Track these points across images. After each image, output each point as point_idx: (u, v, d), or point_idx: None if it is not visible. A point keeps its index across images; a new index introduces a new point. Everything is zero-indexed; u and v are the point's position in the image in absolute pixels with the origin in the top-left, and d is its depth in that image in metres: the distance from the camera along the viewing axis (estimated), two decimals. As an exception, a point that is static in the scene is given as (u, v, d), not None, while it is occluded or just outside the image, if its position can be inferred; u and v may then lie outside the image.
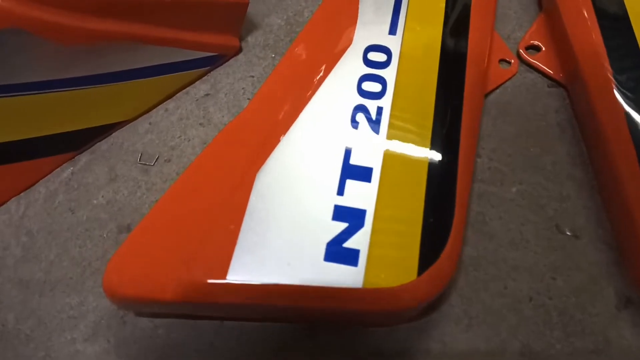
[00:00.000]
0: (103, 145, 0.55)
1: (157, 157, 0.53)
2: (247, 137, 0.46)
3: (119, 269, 0.40)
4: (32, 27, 0.43)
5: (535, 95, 0.52)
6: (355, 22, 0.52)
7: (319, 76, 0.48)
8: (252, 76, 0.57)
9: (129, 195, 0.51)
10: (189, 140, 0.54)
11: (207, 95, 0.57)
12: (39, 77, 0.47)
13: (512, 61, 0.53)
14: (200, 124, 0.55)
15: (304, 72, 0.49)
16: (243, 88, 0.57)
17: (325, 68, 0.49)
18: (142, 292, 0.39)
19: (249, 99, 0.56)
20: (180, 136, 0.55)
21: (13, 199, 0.52)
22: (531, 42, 0.54)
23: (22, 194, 0.53)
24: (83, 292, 0.46)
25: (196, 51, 0.55)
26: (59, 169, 0.54)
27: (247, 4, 0.56)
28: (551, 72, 0.53)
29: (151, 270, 0.40)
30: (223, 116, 0.55)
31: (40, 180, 0.53)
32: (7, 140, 0.50)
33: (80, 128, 0.53)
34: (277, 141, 0.44)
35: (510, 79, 0.53)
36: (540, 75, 0.54)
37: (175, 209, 0.42)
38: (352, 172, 0.42)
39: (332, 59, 0.49)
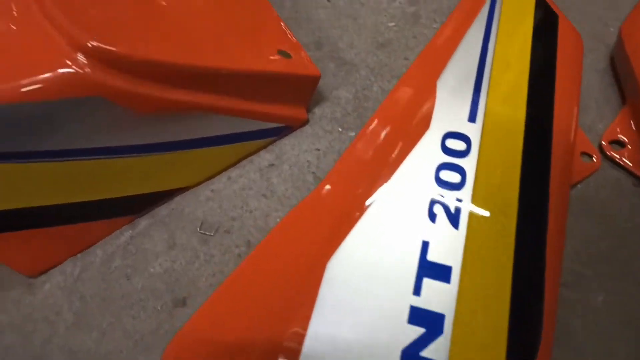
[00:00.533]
0: (163, 210, 0.54)
1: (218, 228, 0.52)
2: (319, 219, 0.44)
3: (177, 353, 0.38)
4: (112, 95, 0.43)
5: (620, 193, 0.49)
6: (434, 104, 0.50)
7: (395, 159, 0.46)
8: (318, 149, 0.56)
9: (187, 266, 0.50)
10: (251, 212, 0.53)
11: (271, 165, 0.56)
12: (110, 142, 0.47)
13: (595, 156, 0.51)
14: (263, 195, 0.54)
15: (379, 154, 0.47)
16: (308, 161, 0.56)
17: (401, 150, 0.47)
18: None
19: (313, 172, 0.55)
20: (242, 207, 0.53)
21: (69, 260, 0.51)
22: (615, 136, 0.52)
23: (78, 255, 0.52)
24: (133, 370, 0.44)
25: (265, 122, 0.55)
26: (117, 231, 0.53)
27: (319, 78, 0.56)
28: (637, 171, 0.50)
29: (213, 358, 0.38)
30: (287, 189, 0.54)
31: (99, 242, 0.52)
32: (69, 202, 0.50)
33: (142, 193, 0.53)
34: (350, 228, 0.42)
35: (592, 174, 0.50)
36: (625, 172, 0.51)
37: (241, 295, 0.40)
38: (430, 269, 0.40)
39: (409, 142, 0.47)
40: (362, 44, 0.65)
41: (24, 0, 0.44)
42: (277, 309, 0.39)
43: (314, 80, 0.56)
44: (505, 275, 0.39)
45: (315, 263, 0.41)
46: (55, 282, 0.50)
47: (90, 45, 0.41)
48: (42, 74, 0.41)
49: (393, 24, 0.67)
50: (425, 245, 0.41)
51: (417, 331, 0.37)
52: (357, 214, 0.43)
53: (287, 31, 0.57)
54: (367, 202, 0.44)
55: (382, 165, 0.46)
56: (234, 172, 0.56)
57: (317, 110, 0.59)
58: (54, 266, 0.51)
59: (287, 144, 0.57)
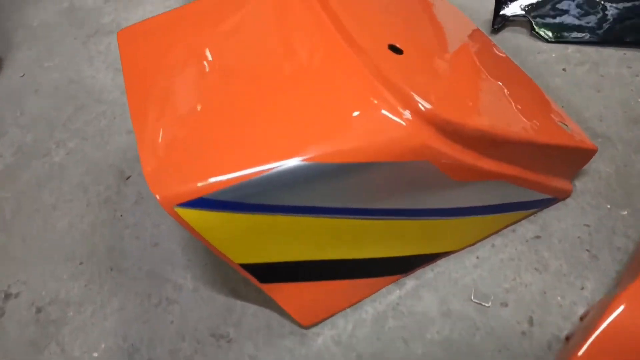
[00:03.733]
0: (428, 272, 0.53)
1: (492, 298, 0.50)
2: None
3: None
4: (439, 161, 0.44)
5: None
6: None
7: None
8: (588, 225, 0.54)
9: (468, 337, 0.48)
10: (526, 286, 0.51)
11: (537, 237, 0.54)
12: (406, 205, 0.48)
13: None
14: (536, 269, 0.52)
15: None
16: (579, 237, 0.54)
17: None
18: None
19: (587, 250, 0.53)
20: (514, 278, 0.52)
21: (339, 314, 0.51)
22: None
23: (348, 309, 0.52)
24: None
25: (539, 192, 0.53)
26: (384, 289, 0.52)
27: (595, 152, 0.54)
28: None
29: None
30: (561, 265, 0.52)
31: (366, 299, 0.52)
32: (354, 258, 0.50)
33: (414, 254, 0.52)
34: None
35: None
36: None
37: None
38: None
39: None
40: (611, 117, 0.63)
41: (351, 62, 0.46)
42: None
43: (590, 154, 0.54)
44: None
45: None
46: (329, 336, 0.50)
47: (431, 114, 0.42)
48: (384, 137, 0.42)
49: (641, 99, 0.65)
50: None
51: None
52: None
53: (557, 106, 0.57)
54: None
55: None
56: (497, 240, 0.55)
57: (578, 184, 0.57)
58: (326, 318, 0.51)
59: (550, 215, 0.56)
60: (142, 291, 0.56)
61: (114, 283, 0.57)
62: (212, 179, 0.40)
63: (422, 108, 0.42)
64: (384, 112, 0.42)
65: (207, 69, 0.50)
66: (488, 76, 0.53)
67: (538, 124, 0.50)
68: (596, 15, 0.73)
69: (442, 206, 0.49)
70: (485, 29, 0.76)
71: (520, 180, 0.50)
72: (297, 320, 0.50)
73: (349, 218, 0.46)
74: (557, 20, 0.73)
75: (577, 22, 0.73)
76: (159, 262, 0.58)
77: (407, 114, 0.42)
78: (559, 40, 0.72)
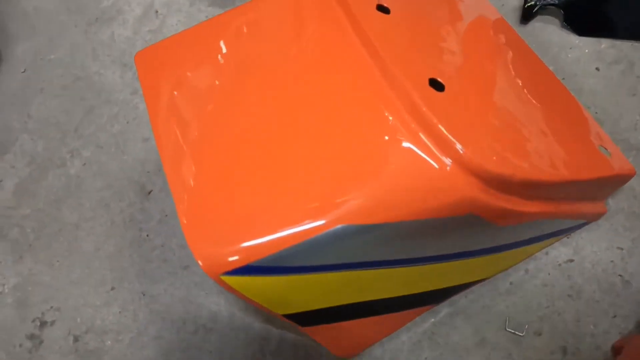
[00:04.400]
0: (462, 299, 0.54)
1: (527, 327, 0.51)
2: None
3: None
4: (485, 212, 0.43)
5: None
6: None
7: None
8: (621, 248, 0.54)
9: (502, 367, 0.50)
10: (559, 314, 0.52)
11: (570, 261, 0.54)
12: (452, 249, 0.47)
13: None
14: (569, 296, 0.53)
15: None
16: (612, 261, 0.54)
17: None
18: None
19: (620, 275, 0.53)
20: (547, 306, 0.52)
21: (376, 344, 0.52)
22: None
23: (384, 339, 0.53)
24: None
25: (574, 220, 0.53)
26: (418, 318, 0.53)
27: (633, 175, 0.53)
28: None
29: None
30: (594, 291, 0.52)
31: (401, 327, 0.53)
32: (393, 296, 0.50)
33: (449, 286, 0.53)
34: None
35: None
36: None
37: None
38: None
39: None
40: (647, 126, 0.61)
41: (386, 97, 0.44)
42: None
43: (628, 178, 0.53)
44: None
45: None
46: (368, 367, 0.52)
47: (475, 164, 0.40)
48: (424, 193, 0.40)
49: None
50: None
51: None
52: None
53: (596, 124, 0.55)
54: None
55: None
56: (530, 265, 0.55)
57: (612, 202, 0.57)
58: (362, 350, 0.52)
59: (583, 237, 0.55)
60: (177, 318, 0.57)
61: (147, 310, 0.58)
62: (258, 243, 0.39)
63: (466, 158, 0.40)
64: (422, 159, 0.40)
65: (235, 101, 0.48)
66: (531, 101, 0.51)
67: (580, 157, 0.48)
68: (633, 5, 0.68)
69: (482, 247, 0.48)
70: (513, 19, 0.71)
71: (559, 214, 0.50)
72: (337, 355, 0.51)
73: (392, 268, 0.45)
74: (591, 11, 0.69)
75: (613, 12, 0.69)
76: (192, 286, 0.58)
77: (448, 162, 0.40)
78: (591, 34, 0.68)
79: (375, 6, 0.50)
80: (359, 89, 0.45)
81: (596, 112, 0.63)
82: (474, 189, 0.41)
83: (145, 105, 0.48)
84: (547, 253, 0.55)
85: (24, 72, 0.81)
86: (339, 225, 0.39)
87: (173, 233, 0.62)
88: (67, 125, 0.74)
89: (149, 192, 0.66)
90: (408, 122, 0.42)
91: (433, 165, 0.40)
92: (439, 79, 0.45)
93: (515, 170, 0.42)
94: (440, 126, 0.41)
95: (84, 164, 0.70)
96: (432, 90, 0.44)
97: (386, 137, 0.42)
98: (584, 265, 0.54)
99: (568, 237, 0.56)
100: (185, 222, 0.41)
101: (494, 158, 0.41)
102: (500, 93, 0.49)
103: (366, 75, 0.45)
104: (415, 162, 0.40)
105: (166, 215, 0.63)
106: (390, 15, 0.51)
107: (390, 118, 0.43)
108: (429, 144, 0.41)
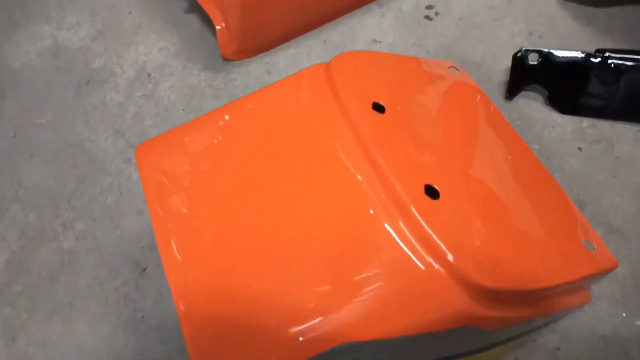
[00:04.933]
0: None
1: (517, 418, 0.54)
2: None
3: None
4: (480, 322, 0.44)
5: None
6: None
7: None
8: (604, 336, 0.57)
9: None
10: (548, 404, 0.54)
11: (557, 349, 0.57)
12: (446, 352, 0.49)
13: None
14: (557, 384, 0.55)
15: None
16: (595, 346, 0.56)
17: None
18: None
19: (604, 363, 0.56)
20: (537, 396, 0.55)
21: None
22: None
23: None
24: None
25: (561, 312, 0.55)
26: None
27: (616, 268, 0.56)
28: None
29: None
30: (580, 379, 0.55)
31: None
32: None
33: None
34: None
35: None
36: None
37: None
38: None
39: None
40: (626, 208, 0.64)
41: (385, 209, 0.45)
42: None
43: (611, 270, 0.56)
44: None
45: None
46: None
47: (479, 285, 0.42)
48: (432, 309, 0.42)
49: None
50: None
51: None
52: None
53: (581, 215, 0.58)
54: None
55: None
56: (520, 354, 0.57)
57: (595, 288, 0.60)
58: None
59: (569, 325, 0.58)
60: (175, 406, 0.57)
61: (146, 397, 0.58)
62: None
63: (463, 276, 0.42)
64: (421, 273, 0.42)
65: (232, 201, 0.49)
66: (521, 198, 0.53)
67: (567, 258, 0.51)
68: (612, 88, 0.72)
69: (473, 348, 0.50)
70: (498, 95, 0.74)
71: (548, 312, 0.52)
72: None
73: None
74: (573, 92, 0.72)
75: (594, 94, 0.72)
76: (188, 372, 0.59)
77: (442, 274, 0.42)
78: (573, 113, 0.71)
79: (371, 105, 0.52)
80: (355, 194, 0.47)
81: (579, 194, 0.65)
82: (469, 302, 0.43)
83: (140, 179, 0.50)
84: (535, 341, 0.57)
85: (13, 136, 0.80)
86: (341, 342, 0.40)
87: (168, 315, 0.62)
88: (59, 196, 0.73)
89: (144, 270, 0.66)
90: (404, 232, 0.44)
91: (426, 273, 0.42)
92: (435, 186, 0.47)
93: (507, 283, 0.44)
94: (435, 237, 0.43)
95: (77, 237, 0.70)
96: (427, 199, 0.46)
97: (382, 246, 0.44)
98: (571, 353, 0.56)
99: (555, 323, 0.58)
100: (186, 325, 0.42)
101: (487, 271, 0.43)
102: (492, 198, 0.51)
103: (362, 181, 0.47)
104: (414, 276, 0.42)
105: (161, 295, 0.64)
106: (385, 114, 0.53)
107: (387, 225, 0.45)
108: (423, 253, 0.43)
